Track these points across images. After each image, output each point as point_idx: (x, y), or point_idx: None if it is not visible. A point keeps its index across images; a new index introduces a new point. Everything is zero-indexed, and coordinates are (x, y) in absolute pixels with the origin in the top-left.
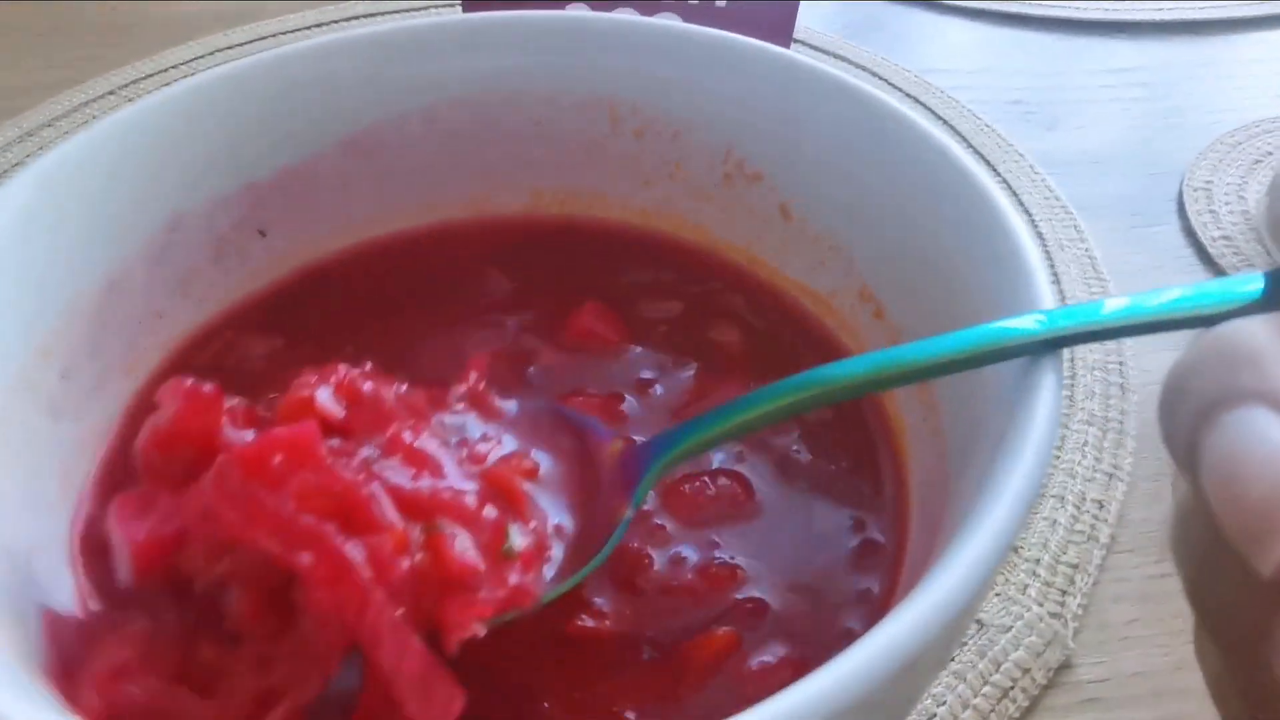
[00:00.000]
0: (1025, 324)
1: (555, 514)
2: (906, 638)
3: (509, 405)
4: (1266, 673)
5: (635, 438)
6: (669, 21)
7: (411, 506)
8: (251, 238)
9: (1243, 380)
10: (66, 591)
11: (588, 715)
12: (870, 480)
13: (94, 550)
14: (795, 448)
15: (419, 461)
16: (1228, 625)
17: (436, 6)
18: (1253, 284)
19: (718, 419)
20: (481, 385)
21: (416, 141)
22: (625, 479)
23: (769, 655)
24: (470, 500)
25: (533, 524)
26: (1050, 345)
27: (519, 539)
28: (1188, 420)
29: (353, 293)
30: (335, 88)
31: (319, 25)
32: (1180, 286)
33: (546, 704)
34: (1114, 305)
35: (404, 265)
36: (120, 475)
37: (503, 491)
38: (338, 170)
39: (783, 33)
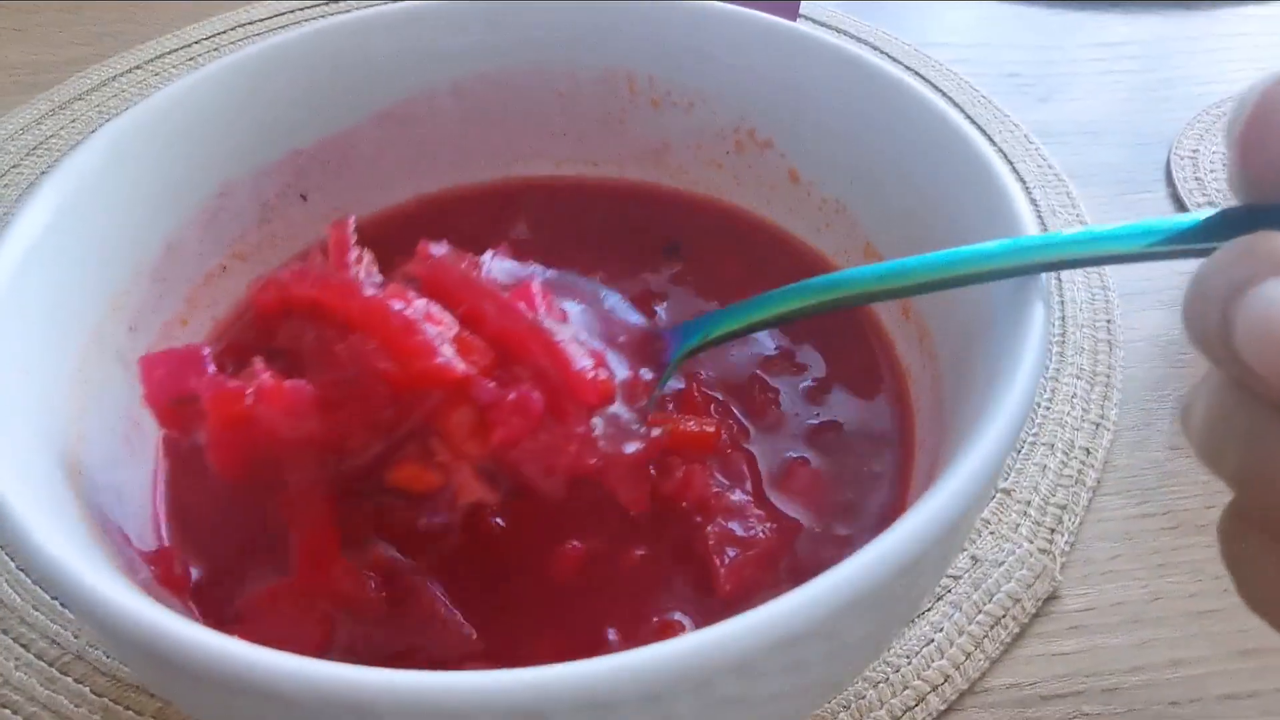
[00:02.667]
0: (1018, 245)
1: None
2: (906, 542)
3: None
4: None
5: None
6: None
7: None
8: (294, 202)
9: (1261, 266)
10: (145, 520)
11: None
12: (881, 416)
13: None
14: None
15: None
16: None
17: None
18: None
19: (743, 310)
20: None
21: (445, 112)
22: (654, 358)
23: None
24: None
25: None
26: (1037, 268)
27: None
28: (1216, 308)
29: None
30: (370, 62)
31: None
32: (1151, 220)
33: None
34: (1092, 233)
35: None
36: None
37: None
38: (373, 139)
39: (790, 5)
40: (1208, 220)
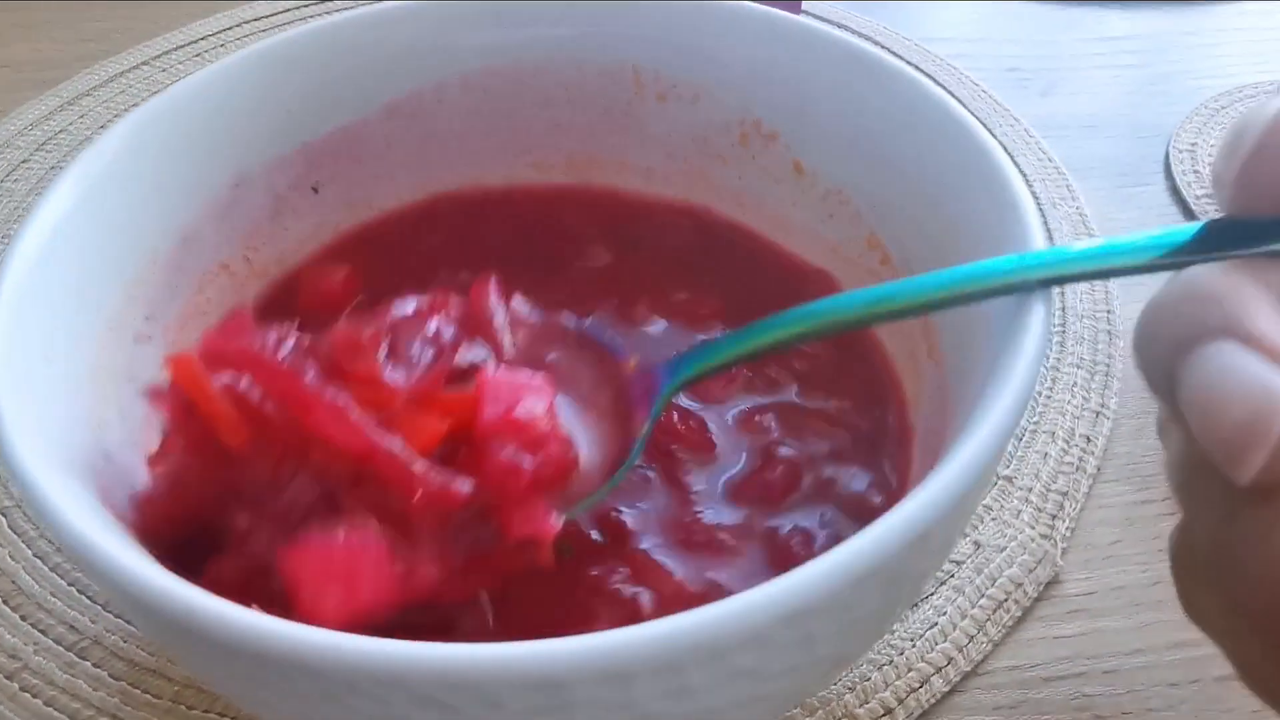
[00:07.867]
0: (1018, 262)
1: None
2: (916, 516)
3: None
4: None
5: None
6: None
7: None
8: (305, 194)
9: (1210, 319)
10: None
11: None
12: (876, 417)
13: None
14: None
15: None
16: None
17: None
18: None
19: (732, 342)
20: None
21: (454, 106)
22: (643, 395)
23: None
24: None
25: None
26: (1042, 283)
27: None
28: (1164, 355)
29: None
30: (381, 56)
31: None
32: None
33: None
34: (1094, 247)
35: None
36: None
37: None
38: (382, 132)
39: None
40: (1200, 233)
